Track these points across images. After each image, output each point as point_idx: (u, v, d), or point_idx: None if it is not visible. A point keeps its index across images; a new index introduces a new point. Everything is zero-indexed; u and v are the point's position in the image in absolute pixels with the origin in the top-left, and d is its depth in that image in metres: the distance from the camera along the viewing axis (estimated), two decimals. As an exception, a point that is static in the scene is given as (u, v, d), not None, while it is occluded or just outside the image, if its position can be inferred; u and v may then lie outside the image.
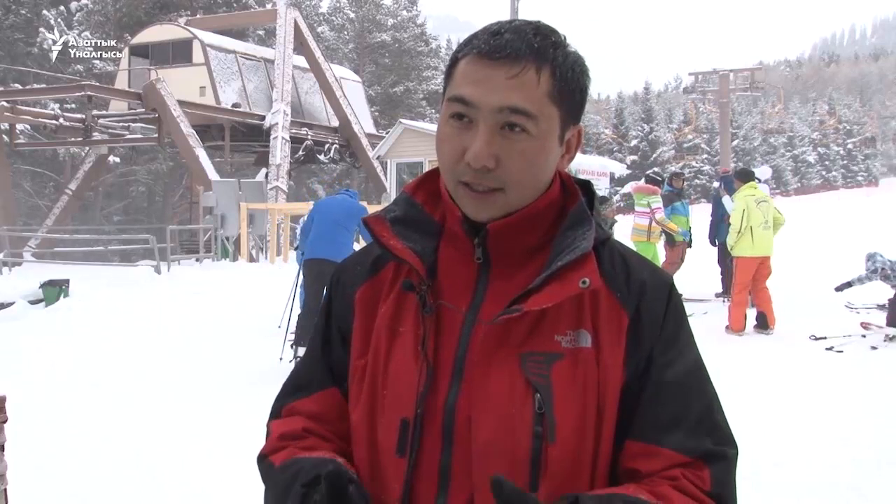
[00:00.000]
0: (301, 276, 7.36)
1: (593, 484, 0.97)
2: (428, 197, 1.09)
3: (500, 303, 0.98)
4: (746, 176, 9.00)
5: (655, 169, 15.93)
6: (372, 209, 14.41)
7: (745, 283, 8.42)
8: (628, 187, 15.35)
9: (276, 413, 1.13)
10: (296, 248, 7.68)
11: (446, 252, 1.05)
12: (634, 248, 1.20)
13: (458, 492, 0.96)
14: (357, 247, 8.85)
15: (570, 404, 0.95)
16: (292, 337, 7.08)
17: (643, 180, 10.85)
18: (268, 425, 1.12)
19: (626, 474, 0.98)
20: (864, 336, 7.44)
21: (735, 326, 8.30)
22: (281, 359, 7.08)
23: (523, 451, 0.94)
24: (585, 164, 19.92)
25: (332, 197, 7.57)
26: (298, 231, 7.73)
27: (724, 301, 10.30)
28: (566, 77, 0.97)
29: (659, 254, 10.34)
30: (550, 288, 0.96)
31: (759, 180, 10.94)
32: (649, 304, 1.00)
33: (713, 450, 0.96)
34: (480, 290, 1.02)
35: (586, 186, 1.08)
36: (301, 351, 6.63)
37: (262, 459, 1.08)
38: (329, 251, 6.83)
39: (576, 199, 1.04)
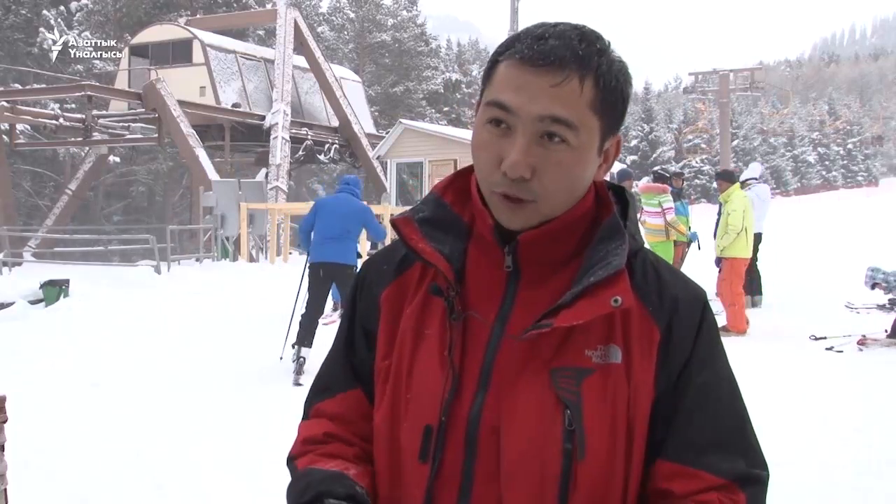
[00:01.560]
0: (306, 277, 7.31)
1: (625, 501, 0.96)
2: (456, 196, 1.07)
3: (528, 314, 0.97)
4: (732, 177, 9.03)
5: (663, 166, 15.73)
6: (372, 209, 14.39)
7: (741, 283, 8.45)
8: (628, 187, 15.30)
9: (305, 414, 1.14)
10: (297, 247, 7.70)
11: (475, 256, 1.04)
12: (651, 250, 1.16)
13: (479, 502, 0.96)
14: (359, 247, 8.83)
15: (601, 420, 0.94)
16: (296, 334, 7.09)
17: (650, 178, 10.76)
18: (299, 426, 1.14)
19: (659, 494, 0.97)
20: (861, 350, 7.41)
21: (740, 327, 8.30)
22: (281, 358, 7.08)
23: (553, 469, 0.93)
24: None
25: (334, 196, 7.43)
26: (299, 230, 7.66)
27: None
28: (609, 86, 0.95)
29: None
30: (581, 304, 0.94)
31: (756, 179, 10.93)
32: (682, 320, 0.99)
33: (748, 472, 0.96)
34: (509, 300, 1.00)
35: (620, 193, 1.06)
36: (305, 352, 6.68)
37: (289, 462, 1.09)
38: (335, 254, 6.85)
39: (609, 210, 1.02)
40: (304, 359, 6.65)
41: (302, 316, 6.96)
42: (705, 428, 0.96)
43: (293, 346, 6.87)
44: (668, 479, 0.95)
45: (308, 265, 7.09)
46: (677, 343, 0.98)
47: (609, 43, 0.97)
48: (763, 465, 0.98)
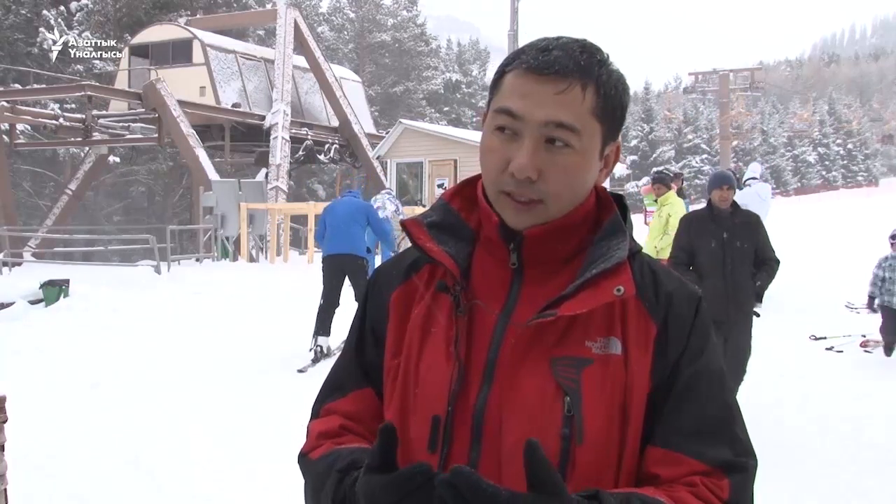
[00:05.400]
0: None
1: (617, 485, 1.00)
2: (464, 203, 1.12)
3: (532, 307, 1.01)
4: (667, 181, 9.08)
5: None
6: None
7: None
8: (629, 187, 15.32)
9: (315, 413, 1.17)
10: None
11: (481, 257, 1.08)
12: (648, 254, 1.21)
13: None
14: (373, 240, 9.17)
15: (599, 408, 0.99)
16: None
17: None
18: (307, 426, 1.16)
19: (647, 479, 1.00)
20: (868, 352, 7.41)
21: None
22: None
23: (552, 453, 0.97)
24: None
25: (338, 200, 8.12)
26: (316, 237, 8.42)
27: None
28: (609, 95, 1.01)
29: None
30: (584, 294, 0.99)
31: (756, 178, 10.93)
32: (677, 316, 1.03)
33: (733, 461, 0.99)
34: (514, 294, 1.05)
35: (619, 200, 1.11)
36: (322, 340, 7.20)
37: (302, 457, 1.12)
38: (343, 246, 7.33)
39: (611, 211, 1.08)
40: (322, 347, 7.16)
41: (319, 307, 7.36)
42: (692, 416, 1.00)
43: (313, 337, 7.30)
44: (656, 464, 1.00)
45: (322, 260, 7.55)
46: (672, 337, 1.02)
47: (608, 55, 1.03)
48: (749, 455, 1.01)
